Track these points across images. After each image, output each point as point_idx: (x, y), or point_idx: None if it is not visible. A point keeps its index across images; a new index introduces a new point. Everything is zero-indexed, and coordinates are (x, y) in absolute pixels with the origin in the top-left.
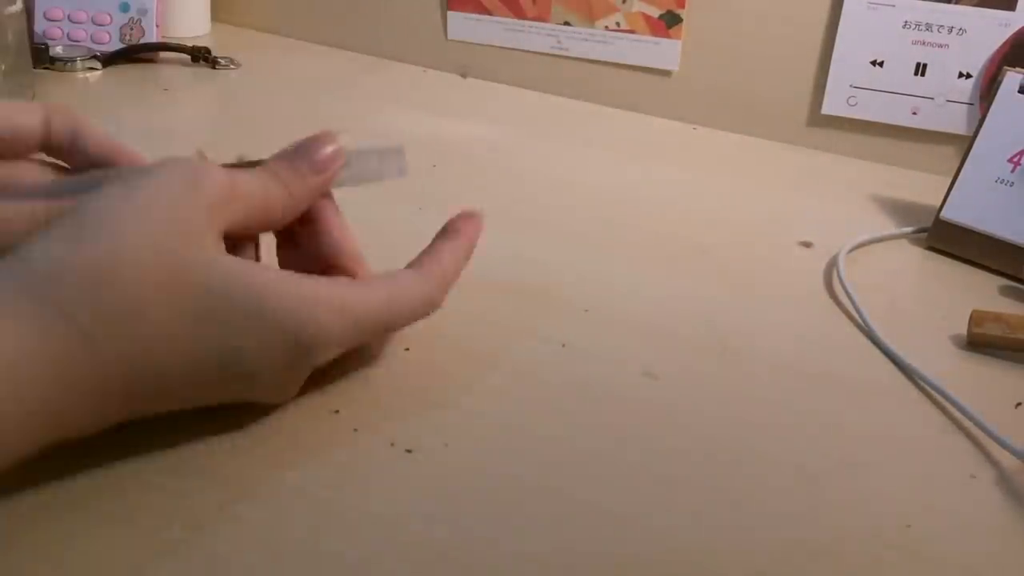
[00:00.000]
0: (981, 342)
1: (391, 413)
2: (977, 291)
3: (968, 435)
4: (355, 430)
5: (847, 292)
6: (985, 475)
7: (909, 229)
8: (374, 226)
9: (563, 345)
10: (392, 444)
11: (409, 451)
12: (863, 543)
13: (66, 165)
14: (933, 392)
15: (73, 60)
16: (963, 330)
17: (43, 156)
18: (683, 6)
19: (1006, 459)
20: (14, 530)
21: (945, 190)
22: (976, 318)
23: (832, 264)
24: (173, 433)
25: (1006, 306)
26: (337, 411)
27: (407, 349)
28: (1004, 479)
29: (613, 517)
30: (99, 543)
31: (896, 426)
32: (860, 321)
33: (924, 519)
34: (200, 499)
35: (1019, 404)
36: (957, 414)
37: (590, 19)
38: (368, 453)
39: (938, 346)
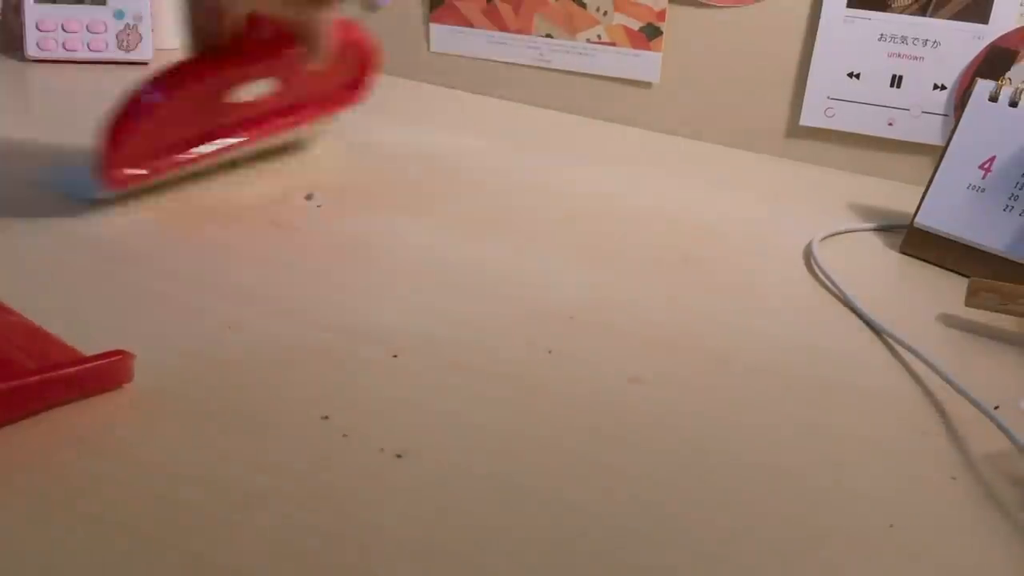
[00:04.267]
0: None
1: (380, 418)
2: (949, 295)
3: (951, 436)
4: (344, 436)
5: (829, 290)
6: (966, 476)
7: (885, 235)
8: (358, 237)
9: (549, 351)
10: (382, 449)
11: (399, 456)
12: (848, 542)
13: None
14: (919, 393)
15: None
16: (938, 333)
17: None
18: (663, 19)
19: (987, 460)
20: None
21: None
22: (972, 288)
23: (812, 269)
24: (170, 439)
25: (975, 313)
26: (326, 417)
27: (395, 356)
28: (984, 480)
29: (601, 519)
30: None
31: (879, 427)
32: (841, 325)
33: (907, 519)
34: (197, 509)
35: (997, 407)
36: (939, 416)
37: (572, 32)
38: (358, 458)
39: (918, 348)
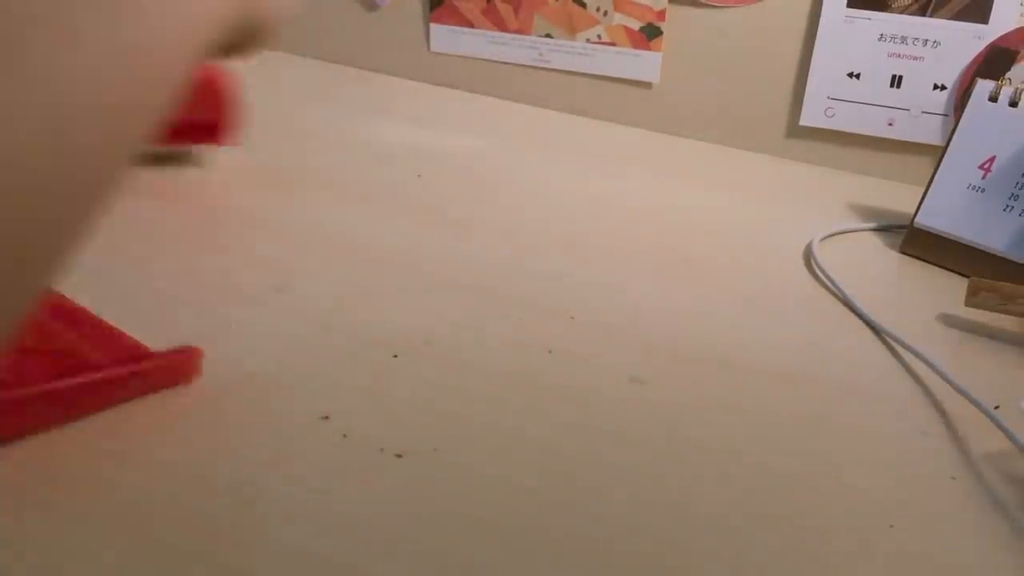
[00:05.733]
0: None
1: (380, 419)
2: (949, 295)
3: (951, 436)
4: (344, 436)
5: (829, 290)
6: (966, 476)
7: (885, 235)
8: (359, 237)
9: (550, 352)
10: (382, 449)
11: (399, 456)
12: (848, 542)
13: None
14: (919, 393)
15: None
16: (938, 333)
17: None
18: (663, 19)
19: (987, 460)
20: None
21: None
22: (972, 287)
23: (812, 269)
24: (170, 445)
25: (975, 313)
26: (327, 417)
27: (395, 356)
28: (984, 480)
29: (601, 519)
30: None
31: (879, 427)
32: (841, 325)
33: (907, 519)
34: (198, 509)
35: (997, 407)
36: (939, 416)
37: (572, 32)
38: (358, 458)
39: (919, 348)
